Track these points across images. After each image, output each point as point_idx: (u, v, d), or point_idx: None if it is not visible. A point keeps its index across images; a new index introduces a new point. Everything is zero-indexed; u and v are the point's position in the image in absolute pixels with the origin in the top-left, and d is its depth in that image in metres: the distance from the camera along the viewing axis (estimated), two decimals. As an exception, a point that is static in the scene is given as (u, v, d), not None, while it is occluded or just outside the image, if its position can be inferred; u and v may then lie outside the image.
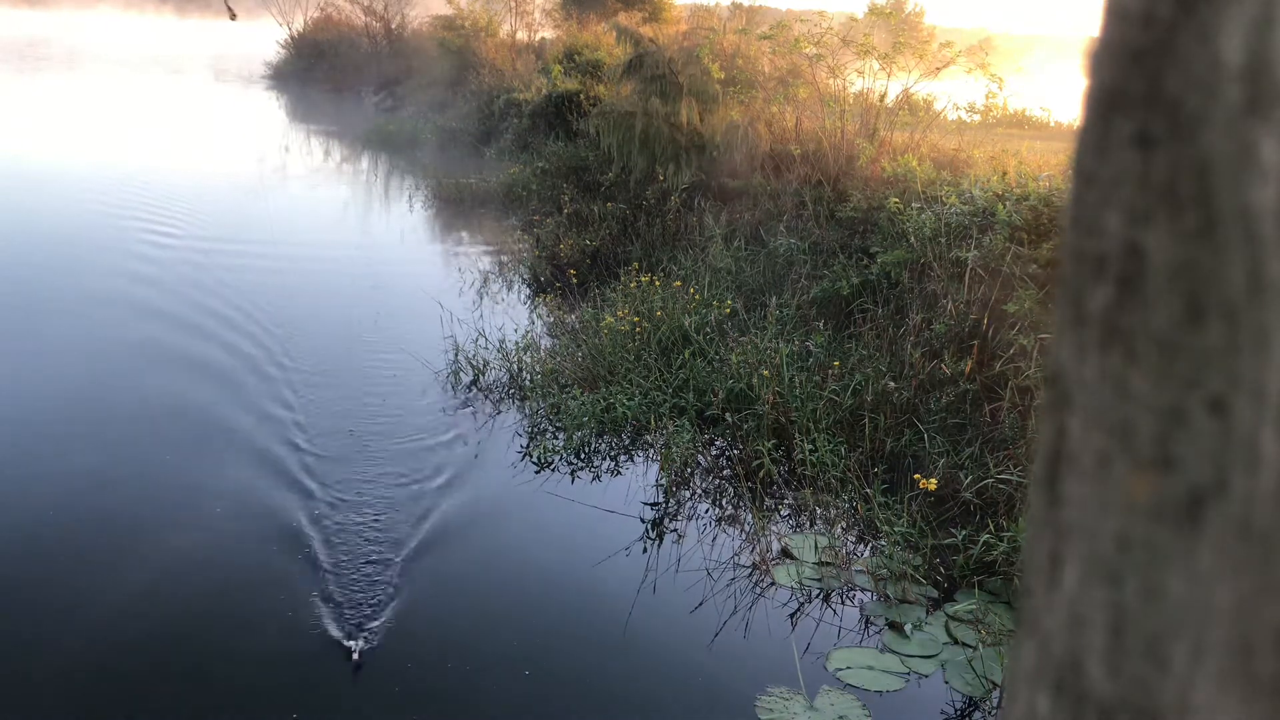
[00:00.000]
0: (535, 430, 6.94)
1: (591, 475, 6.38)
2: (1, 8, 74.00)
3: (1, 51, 40.72)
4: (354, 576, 4.98)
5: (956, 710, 4.36)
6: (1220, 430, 0.34)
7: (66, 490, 5.66)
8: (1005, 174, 7.94)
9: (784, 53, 11.77)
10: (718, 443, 6.72)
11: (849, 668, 4.54)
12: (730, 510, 5.97)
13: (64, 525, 5.29)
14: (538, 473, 6.34)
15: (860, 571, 5.26)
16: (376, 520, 5.57)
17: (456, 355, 7.84)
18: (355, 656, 4.33)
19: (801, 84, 11.53)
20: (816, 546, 5.47)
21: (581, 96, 15.88)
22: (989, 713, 4.33)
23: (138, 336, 8.40)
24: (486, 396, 7.49)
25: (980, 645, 4.63)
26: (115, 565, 4.94)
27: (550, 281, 10.71)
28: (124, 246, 11.57)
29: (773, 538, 5.62)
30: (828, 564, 5.32)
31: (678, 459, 6.28)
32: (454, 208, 14.90)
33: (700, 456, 6.51)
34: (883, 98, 10.85)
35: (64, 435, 6.36)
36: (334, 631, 4.52)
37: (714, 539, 5.61)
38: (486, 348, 8.03)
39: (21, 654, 4.23)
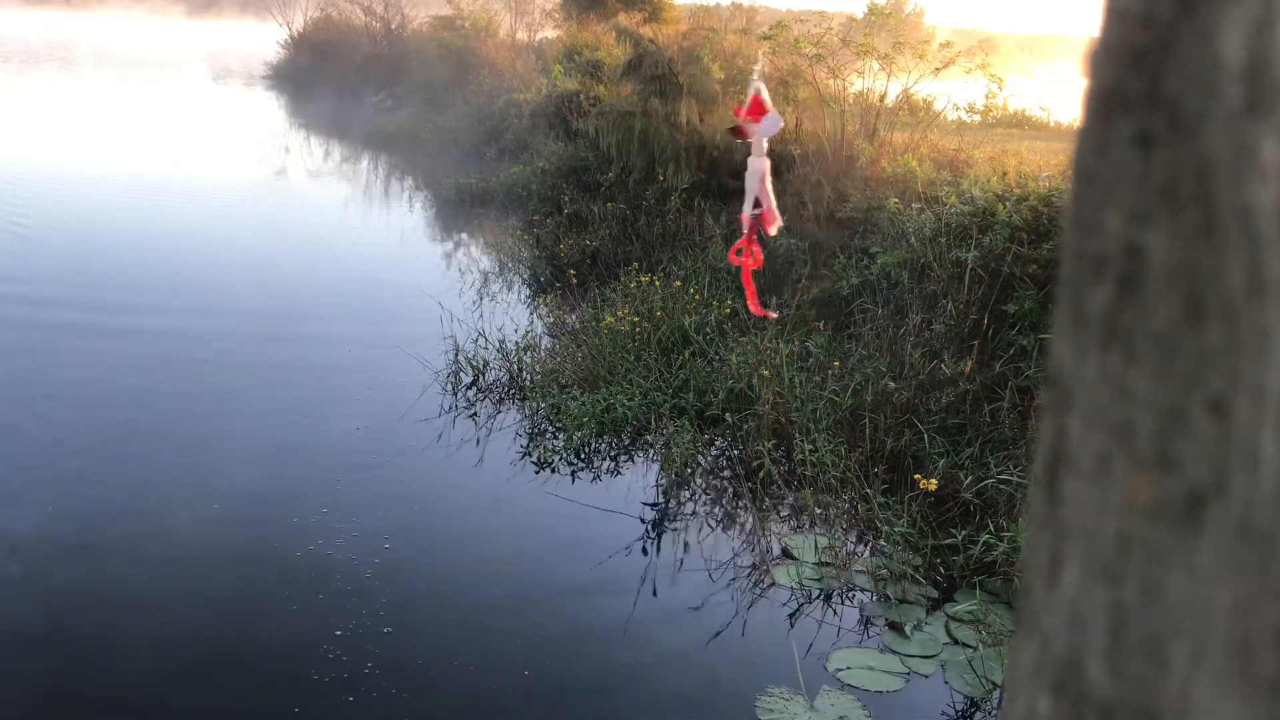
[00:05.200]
0: (535, 430, 6.94)
1: (591, 475, 6.38)
2: (8, 7, 74.07)
3: (9, 51, 40.73)
4: (353, 573, 4.98)
5: (957, 710, 4.36)
6: (1220, 430, 0.34)
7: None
8: (1005, 174, 7.94)
9: (784, 53, 11.76)
10: (718, 443, 6.72)
11: (849, 668, 4.54)
12: (730, 510, 5.97)
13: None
14: (538, 473, 6.34)
15: (860, 572, 5.26)
16: (373, 518, 5.57)
17: (456, 355, 7.84)
18: None
19: (801, 84, 11.52)
20: (816, 547, 5.46)
21: (581, 97, 15.88)
22: (989, 713, 4.33)
23: None
24: (486, 397, 7.49)
25: (980, 645, 4.63)
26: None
27: (550, 281, 10.71)
28: None
29: (773, 538, 5.62)
30: (828, 564, 5.32)
31: (678, 459, 6.28)
32: (454, 208, 14.90)
33: (700, 457, 6.51)
34: (883, 98, 10.85)
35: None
36: (338, 630, 4.52)
37: (714, 539, 5.61)
38: (486, 348, 8.03)
39: None
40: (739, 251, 3.34)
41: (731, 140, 11.45)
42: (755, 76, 3.09)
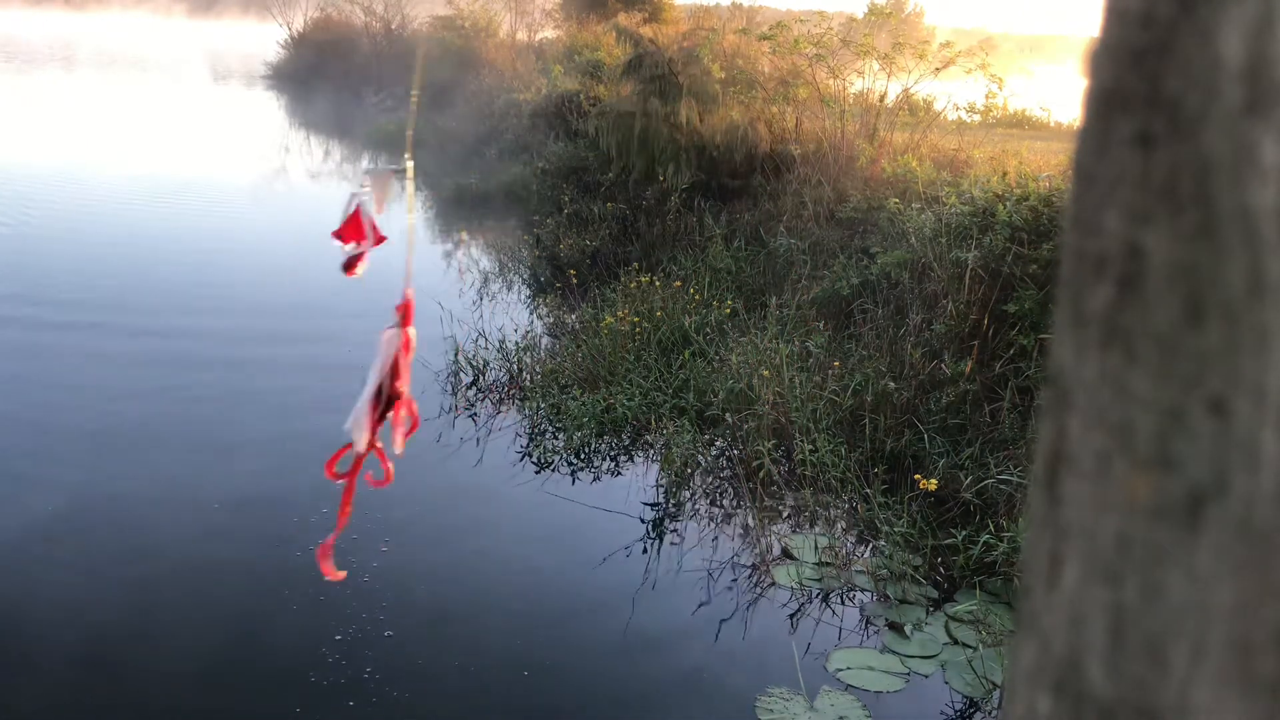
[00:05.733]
0: (535, 431, 6.93)
1: (591, 475, 6.38)
2: (10, 7, 74.17)
3: (11, 51, 40.71)
4: (353, 574, 4.98)
5: (957, 711, 4.36)
6: (1220, 430, 0.34)
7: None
8: (1005, 174, 7.94)
9: (784, 53, 11.77)
10: (718, 443, 6.72)
11: (849, 668, 4.54)
12: (730, 510, 5.97)
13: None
14: (538, 473, 6.34)
15: (860, 572, 5.26)
16: (372, 519, 5.56)
17: (456, 356, 7.84)
18: None
19: (801, 84, 11.53)
20: (816, 547, 5.46)
21: (581, 97, 15.88)
22: (989, 713, 4.33)
23: None
24: (486, 397, 7.49)
25: (980, 646, 4.63)
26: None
27: (550, 281, 10.71)
28: None
29: (773, 538, 5.62)
30: (828, 564, 5.32)
31: (678, 459, 6.28)
32: (454, 208, 14.90)
33: (700, 457, 6.51)
34: (883, 98, 10.86)
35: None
36: (334, 634, 4.53)
37: (714, 539, 5.60)
38: (486, 348, 8.03)
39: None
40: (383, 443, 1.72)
41: (732, 140, 11.43)
42: (363, 186, 1.77)
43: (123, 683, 4.14)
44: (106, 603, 4.65)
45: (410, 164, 1.91)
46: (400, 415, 1.73)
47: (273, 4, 37.25)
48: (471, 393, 7.52)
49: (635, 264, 10.18)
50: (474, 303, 9.91)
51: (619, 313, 8.30)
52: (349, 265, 1.98)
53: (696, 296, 8.60)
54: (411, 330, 1.72)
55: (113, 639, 4.40)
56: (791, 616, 4.94)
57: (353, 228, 1.96)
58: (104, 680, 4.15)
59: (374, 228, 1.98)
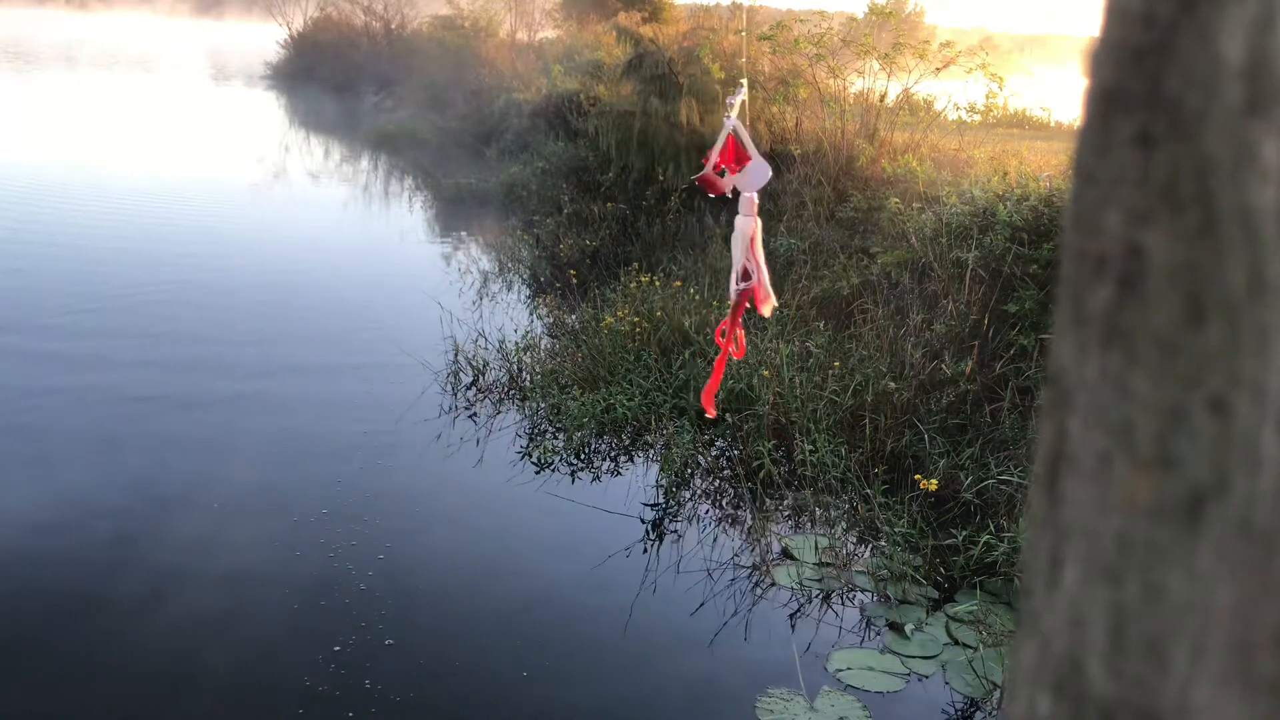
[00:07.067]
0: (535, 431, 6.93)
1: (591, 476, 6.38)
2: (13, 6, 74.38)
3: (12, 52, 40.72)
4: (353, 575, 4.98)
5: (957, 711, 4.36)
6: (1220, 430, 0.34)
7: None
8: (1006, 174, 7.94)
9: (784, 53, 11.76)
10: (718, 443, 6.72)
11: (849, 668, 4.54)
12: (730, 511, 5.97)
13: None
14: (538, 473, 6.34)
15: (861, 572, 5.26)
16: (372, 520, 5.56)
17: (456, 356, 7.84)
18: None
19: (802, 84, 11.52)
20: (817, 547, 5.46)
21: (581, 97, 15.88)
22: (989, 713, 4.33)
23: None
24: (486, 397, 7.49)
25: (981, 646, 4.63)
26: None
27: (550, 281, 10.71)
28: None
29: (773, 538, 5.62)
30: (828, 565, 5.32)
31: (678, 459, 6.28)
32: (454, 208, 14.90)
33: (700, 457, 6.51)
34: (883, 98, 10.85)
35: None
36: (332, 636, 4.52)
37: (714, 539, 5.60)
38: (486, 348, 8.03)
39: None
40: (724, 332, 2.63)
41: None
42: (731, 114, 2.35)
43: (120, 689, 4.14)
44: (103, 609, 4.65)
45: (743, 89, 2.61)
46: (758, 293, 2.46)
47: (274, 3, 37.30)
48: (471, 393, 7.52)
49: (635, 264, 10.17)
50: (474, 303, 9.91)
51: (619, 313, 8.30)
52: (709, 185, 2.49)
53: (696, 296, 8.59)
54: (757, 223, 2.49)
55: (110, 644, 4.40)
56: (791, 617, 4.94)
57: (730, 154, 2.47)
58: (101, 686, 4.15)
59: (750, 151, 2.45)
